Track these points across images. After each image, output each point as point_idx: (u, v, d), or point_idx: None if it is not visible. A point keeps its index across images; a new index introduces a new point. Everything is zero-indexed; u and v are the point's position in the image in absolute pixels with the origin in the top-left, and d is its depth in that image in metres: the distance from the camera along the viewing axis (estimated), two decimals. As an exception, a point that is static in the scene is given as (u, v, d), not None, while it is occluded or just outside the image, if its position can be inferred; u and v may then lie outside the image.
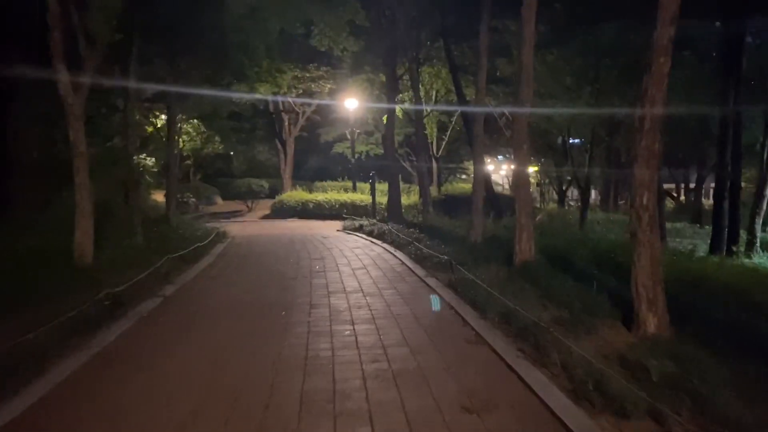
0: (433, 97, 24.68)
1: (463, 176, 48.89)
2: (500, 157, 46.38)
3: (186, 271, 9.77)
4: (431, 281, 8.63)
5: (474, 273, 8.28)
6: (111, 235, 10.76)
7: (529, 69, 8.55)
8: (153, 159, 30.84)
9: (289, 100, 28.87)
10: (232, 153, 41.56)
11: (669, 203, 33.60)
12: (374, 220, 19.05)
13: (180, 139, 32.64)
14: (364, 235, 16.12)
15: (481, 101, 11.59)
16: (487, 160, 47.90)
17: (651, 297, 5.53)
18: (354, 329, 6.14)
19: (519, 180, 8.83)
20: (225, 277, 9.65)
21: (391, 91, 19.20)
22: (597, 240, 11.60)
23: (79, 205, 8.52)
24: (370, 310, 6.98)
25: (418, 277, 9.14)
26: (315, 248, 13.46)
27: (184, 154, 34.68)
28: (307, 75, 26.56)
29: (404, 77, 20.95)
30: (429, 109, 22.47)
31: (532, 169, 36.54)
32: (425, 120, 23.14)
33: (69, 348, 5.40)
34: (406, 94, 24.78)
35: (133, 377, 4.77)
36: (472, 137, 13.55)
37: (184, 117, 31.96)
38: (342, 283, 8.83)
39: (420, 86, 22.30)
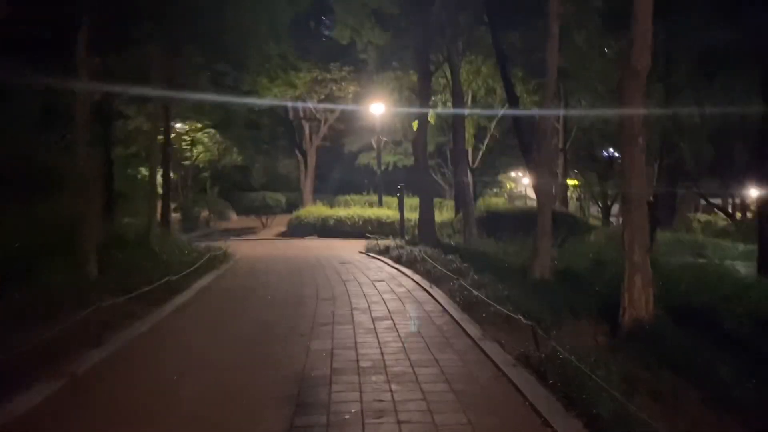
0: (469, 99, 21.61)
1: (494, 189, 45.40)
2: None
3: (137, 321, 6.87)
4: (494, 351, 5.54)
5: (561, 339, 5.20)
6: (51, 265, 7.99)
7: (648, 17, 5.48)
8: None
9: (310, 105, 26.16)
10: (257, 165, 39.21)
11: (721, 220, 29.70)
12: (402, 241, 16.05)
13: (193, 150, 30.41)
14: (390, 261, 13.10)
15: (551, 87, 8.48)
16: (518, 172, 44.31)
17: None
18: (367, 486, 3.09)
19: (632, 195, 5.67)
20: (185, 336, 6.68)
21: (423, 89, 16.24)
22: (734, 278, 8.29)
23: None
24: (398, 423, 3.92)
25: (471, 340, 6.04)
26: (327, 281, 10.48)
27: (200, 166, 32.49)
28: (328, 76, 23.80)
29: (437, 73, 17.99)
30: (467, 112, 19.46)
31: (569, 183, 33.24)
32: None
33: None
34: (439, 96, 21.83)
35: None
36: (533, 139, 10.43)
37: (198, 124, 29.79)
38: (355, 349, 5.79)
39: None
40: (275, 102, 23.20)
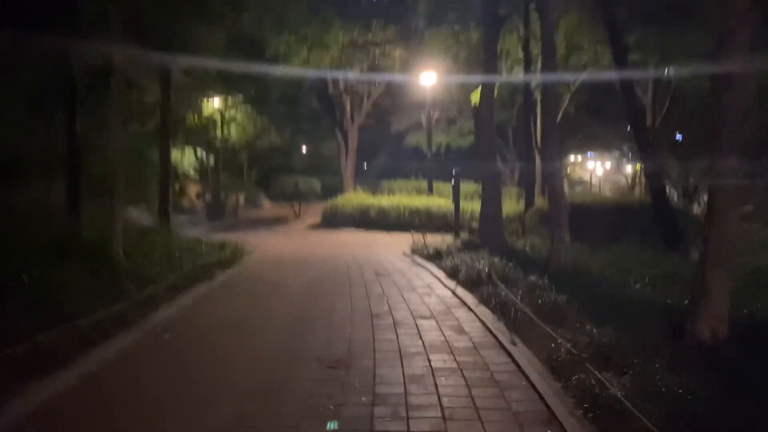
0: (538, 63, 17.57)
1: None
2: (591, 153, 38.35)
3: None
4: None
5: None
6: None
7: None
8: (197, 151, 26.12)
9: (350, 76, 22.60)
10: (303, 146, 36.25)
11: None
12: (458, 242, 12.44)
13: (225, 129, 27.51)
14: (442, 276, 9.49)
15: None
16: (573, 158, 39.10)
17: None
18: None
19: None
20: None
21: (489, 45, 12.41)
22: None
23: None
24: None
25: None
26: (348, 312, 6.98)
27: (236, 147, 29.80)
28: (370, 38, 20.12)
29: (504, 30, 14.07)
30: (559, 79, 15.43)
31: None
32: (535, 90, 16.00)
33: None
34: (505, 61, 17.89)
35: None
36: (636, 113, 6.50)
37: (232, 100, 26.86)
38: None
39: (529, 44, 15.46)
40: (309, 72, 19.80)
